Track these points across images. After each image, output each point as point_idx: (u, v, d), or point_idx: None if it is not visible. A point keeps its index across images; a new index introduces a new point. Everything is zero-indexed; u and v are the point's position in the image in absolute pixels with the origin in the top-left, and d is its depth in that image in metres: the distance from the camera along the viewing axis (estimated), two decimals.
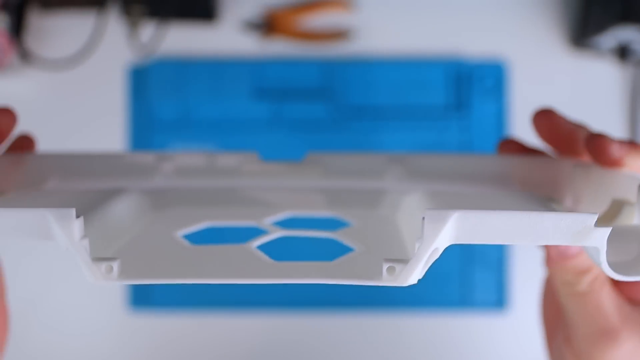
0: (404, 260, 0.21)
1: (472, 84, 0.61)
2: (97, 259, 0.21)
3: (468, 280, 0.60)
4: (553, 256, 0.28)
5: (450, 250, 0.65)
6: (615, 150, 0.27)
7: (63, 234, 0.21)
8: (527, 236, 0.21)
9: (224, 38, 0.63)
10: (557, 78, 0.62)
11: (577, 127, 0.31)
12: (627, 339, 0.28)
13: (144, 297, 0.61)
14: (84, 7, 0.62)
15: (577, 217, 0.21)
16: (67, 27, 0.62)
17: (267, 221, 0.28)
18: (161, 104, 0.61)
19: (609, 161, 0.27)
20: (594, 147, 0.28)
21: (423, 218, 0.21)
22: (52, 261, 0.61)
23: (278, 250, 0.25)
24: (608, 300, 0.28)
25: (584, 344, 0.29)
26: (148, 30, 0.61)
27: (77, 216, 0.21)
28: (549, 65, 0.63)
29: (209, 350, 0.62)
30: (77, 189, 0.30)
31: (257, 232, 0.27)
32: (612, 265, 0.22)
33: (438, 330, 0.61)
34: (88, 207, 0.24)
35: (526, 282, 0.60)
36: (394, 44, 0.62)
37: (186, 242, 0.26)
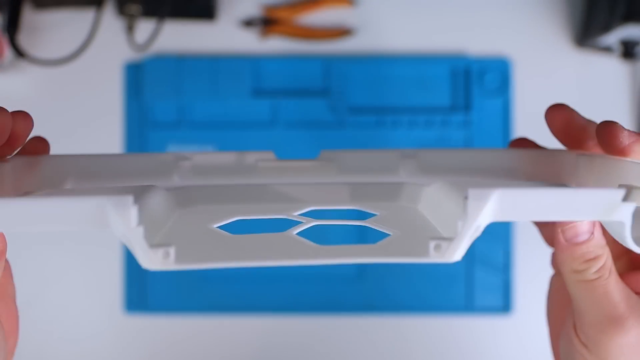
0: (449, 238, 0.22)
1: (477, 82, 0.61)
2: (155, 245, 0.22)
3: (473, 283, 0.60)
4: (562, 243, 0.29)
5: None
6: (625, 138, 0.28)
7: (121, 221, 0.21)
8: (562, 212, 0.23)
9: (223, 35, 0.62)
10: (561, 76, 0.62)
11: (589, 123, 0.32)
12: (634, 327, 0.29)
13: (139, 301, 0.60)
14: (78, 5, 0.61)
15: (606, 192, 0.22)
16: (62, 24, 0.61)
17: (296, 214, 0.29)
18: (158, 101, 0.60)
19: (618, 148, 0.28)
20: (605, 133, 0.29)
21: (465, 197, 0.22)
22: (48, 263, 0.60)
23: (314, 239, 0.26)
24: (616, 288, 0.29)
25: (591, 331, 0.30)
26: (145, 28, 0.60)
27: (134, 200, 0.21)
28: (553, 64, 0.62)
29: (204, 353, 0.61)
30: (99, 187, 0.30)
31: (288, 223, 0.27)
32: (635, 239, 0.24)
33: (443, 333, 0.61)
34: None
35: (531, 285, 0.60)
36: (397, 41, 0.62)
37: (225, 232, 0.26)
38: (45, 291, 0.60)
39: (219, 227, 0.27)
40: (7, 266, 0.32)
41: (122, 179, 0.32)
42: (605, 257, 0.29)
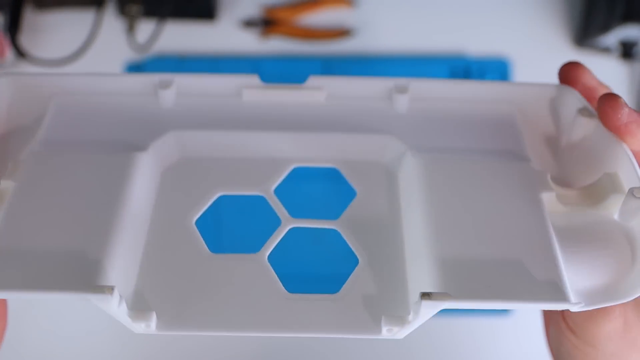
0: (400, 322, 0.25)
1: None
2: (136, 318, 0.25)
3: None
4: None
5: None
6: (625, 115, 0.27)
7: (104, 308, 0.24)
8: (508, 307, 0.25)
9: (223, 35, 0.62)
10: None
11: (600, 85, 0.31)
12: (620, 314, 0.28)
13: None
14: (79, 6, 0.61)
15: (556, 306, 0.24)
16: (63, 25, 0.62)
17: (273, 186, 0.31)
18: None
19: (615, 124, 0.28)
20: (605, 106, 0.28)
21: (420, 298, 0.24)
22: None
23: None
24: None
25: (579, 318, 0.29)
26: (146, 28, 0.60)
27: (112, 291, 0.23)
28: (552, 64, 0.61)
29: (204, 353, 0.61)
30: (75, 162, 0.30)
31: (265, 204, 0.31)
32: (581, 301, 0.25)
33: (442, 334, 0.61)
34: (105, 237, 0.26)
35: None
36: (396, 42, 0.62)
37: (204, 248, 0.28)
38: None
39: (199, 215, 0.29)
40: None
41: (108, 108, 0.32)
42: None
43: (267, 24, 0.62)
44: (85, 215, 0.27)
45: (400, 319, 0.25)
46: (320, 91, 0.33)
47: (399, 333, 0.26)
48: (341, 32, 0.62)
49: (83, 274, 0.25)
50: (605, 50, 0.61)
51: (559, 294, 0.25)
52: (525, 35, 0.62)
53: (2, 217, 0.27)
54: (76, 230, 0.26)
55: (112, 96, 0.32)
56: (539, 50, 0.62)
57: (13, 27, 0.59)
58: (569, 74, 0.31)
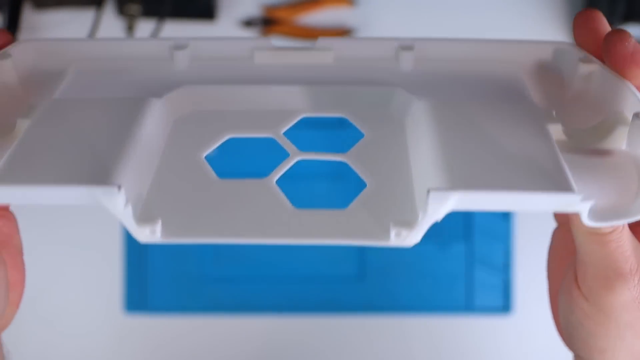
0: (409, 225, 0.25)
1: None
2: (142, 222, 0.25)
3: (473, 283, 0.60)
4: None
5: (456, 254, 0.64)
6: (631, 45, 0.27)
7: (110, 206, 0.24)
8: (517, 207, 0.25)
9: (223, 35, 0.62)
10: None
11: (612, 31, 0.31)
12: (639, 284, 0.28)
13: (139, 301, 0.60)
14: (78, 5, 0.61)
15: (564, 197, 0.24)
16: (62, 24, 0.61)
17: (283, 130, 0.31)
18: None
19: (620, 54, 0.28)
20: (613, 36, 0.28)
21: (428, 192, 0.24)
22: (49, 264, 0.60)
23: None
24: (628, 243, 0.28)
25: (595, 284, 0.29)
26: (145, 28, 0.60)
27: (119, 188, 0.24)
28: None
29: (204, 354, 0.61)
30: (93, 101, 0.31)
31: (276, 145, 0.31)
32: (592, 217, 0.25)
33: (443, 333, 0.61)
34: (118, 149, 0.27)
35: (531, 285, 0.60)
36: None
37: (212, 175, 0.29)
38: (46, 291, 0.60)
39: (208, 153, 0.30)
40: (13, 218, 0.33)
41: (125, 70, 0.34)
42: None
43: (267, 23, 0.62)
44: (97, 143, 0.28)
45: (408, 222, 0.25)
46: (329, 52, 0.34)
47: (408, 238, 0.25)
48: (341, 32, 0.62)
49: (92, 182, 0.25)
50: None
51: (565, 185, 0.24)
52: (526, 35, 0.62)
53: (13, 147, 0.28)
54: (87, 155, 0.27)
55: (129, 60, 0.34)
56: None
57: (12, 27, 0.59)
58: (582, 27, 0.31)
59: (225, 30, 0.62)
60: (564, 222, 0.34)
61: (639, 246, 0.29)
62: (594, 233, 0.28)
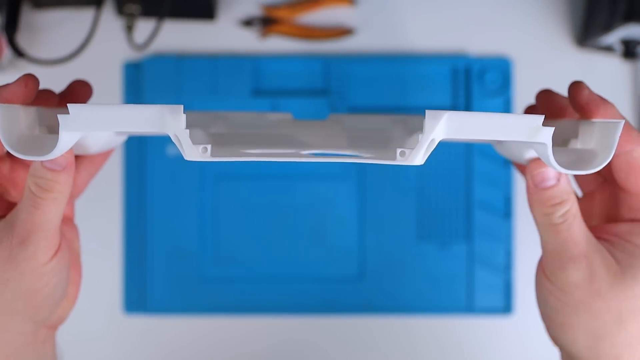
0: (412, 144, 0.30)
1: (477, 82, 0.60)
2: (196, 143, 0.29)
3: (474, 284, 0.60)
4: (531, 188, 0.34)
5: (457, 254, 0.64)
6: (586, 95, 0.33)
7: (174, 123, 0.28)
8: (496, 132, 0.29)
9: (222, 35, 0.62)
10: (562, 76, 0.61)
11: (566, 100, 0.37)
12: (587, 267, 0.33)
13: (138, 302, 0.60)
14: (78, 5, 0.61)
15: (530, 117, 0.29)
16: (61, 24, 0.61)
17: (303, 153, 0.36)
18: (158, 101, 0.60)
19: (579, 104, 0.34)
20: (571, 89, 0.34)
21: (424, 117, 0.29)
22: None
23: None
24: (578, 232, 0.33)
25: (554, 267, 0.34)
26: (144, 27, 0.60)
27: (183, 108, 0.29)
28: (554, 64, 0.62)
29: (204, 354, 0.61)
30: None
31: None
32: (558, 162, 0.30)
33: (444, 334, 0.61)
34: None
35: (532, 286, 0.59)
36: (397, 41, 0.62)
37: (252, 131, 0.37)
38: None
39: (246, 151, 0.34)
40: (76, 227, 0.39)
41: None
42: (571, 204, 0.33)
43: (266, 22, 0.61)
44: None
45: (411, 144, 0.30)
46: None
47: (411, 156, 0.29)
48: (341, 31, 0.61)
49: None
50: (608, 49, 0.61)
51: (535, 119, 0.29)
52: (526, 35, 0.62)
53: None
54: None
55: None
56: (540, 49, 0.62)
57: (10, 26, 0.59)
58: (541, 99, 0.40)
59: (225, 30, 0.62)
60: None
61: (591, 237, 0.34)
62: (549, 223, 0.33)
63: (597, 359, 0.34)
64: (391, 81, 0.60)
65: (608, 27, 0.57)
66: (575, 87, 0.34)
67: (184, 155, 0.29)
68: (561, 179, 0.33)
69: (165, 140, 0.60)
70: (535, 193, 0.34)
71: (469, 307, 0.60)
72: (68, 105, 0.28)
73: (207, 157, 0.29)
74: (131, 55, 0.61)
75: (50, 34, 0.61)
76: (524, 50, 0.62)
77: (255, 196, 0.60)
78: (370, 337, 0.61)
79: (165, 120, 0.28)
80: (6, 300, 0.32)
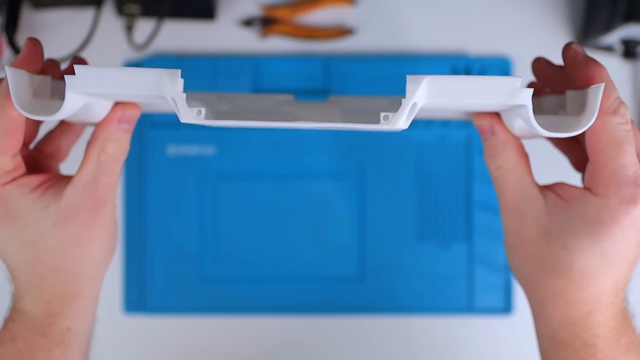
0: (395, 110, 0.30)
1: None
2: (191, 104, 0.31)
3: (474, 284, 0.60)
4: (482, 130, 0.36)
5: (457, 254, 0.64)
6: (571, 54, 0.35)
7: (171, 86, 0.30)
8: (476, 94, 0.30)
9: (222, 35, 0.62)
10: None
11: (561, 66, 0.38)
12: (519, 218, 0.36)
13: (138, 302, 0.60)
14: (78, 5, 0.61)
15: (509, 79, 0.30)
16: (61, 24, 0.61)
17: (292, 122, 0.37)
18: None
19: (569, 58, 0.35)
20: (564, 49, 0.36)
21: (406, 76, 0.29)
22: None
23: None
24: (509, 183, 0.36)
25: (501, 211, 0.38)
26: (144, 27, 0.60)
27: (180, 72, 0.30)
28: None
29: (204, 354, 0.61)
30: None
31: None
32: (540, 124, 0.31)
33: (444, 334, 0.61)
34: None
35: None
36: (397, 41, 0.62)
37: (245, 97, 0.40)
38: None
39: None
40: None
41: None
42: (507, 157, 0.36)
43: (266, 22, 0.61)
44: None
45: (394, 110, 0.30)
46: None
47: (394, 119, 0.30)
48: (341, 31, 0.61)
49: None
50: (607, 49, 0.61)
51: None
52: (526, 34, 0.62)
53: None
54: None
55: None
56: (540, 49, 0.62)
57: (10, 26, 0.59)
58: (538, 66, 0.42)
59: (225, 30, 0.62)
60: None
61: (532, 192, 0.36)
62: (494, 170, 0.37)
63: (531, 300, 0.40)
64: (391, 81, 0.60)
65: (608, 27, 0.57)
66: (564, 49, 0.35)
67: (179, 117, 0.30)
68: (497, 132, 0.36)
69: (165, 140, 0.60)
70: (484, 134, 0.36)
71: (468, 307, 0.60)
72: (74, 66, 0.30)
73: (201, 120, 0.30)
74: (131, 55, 0.61)
75: (50, 34, 0.61)
76: (524, 50, 0.62)
77: (255, 196, 0.60)
78: (370, 337, 0.61)
79: (164, 83, 0.30)
80: (97, 256, 0.37)
